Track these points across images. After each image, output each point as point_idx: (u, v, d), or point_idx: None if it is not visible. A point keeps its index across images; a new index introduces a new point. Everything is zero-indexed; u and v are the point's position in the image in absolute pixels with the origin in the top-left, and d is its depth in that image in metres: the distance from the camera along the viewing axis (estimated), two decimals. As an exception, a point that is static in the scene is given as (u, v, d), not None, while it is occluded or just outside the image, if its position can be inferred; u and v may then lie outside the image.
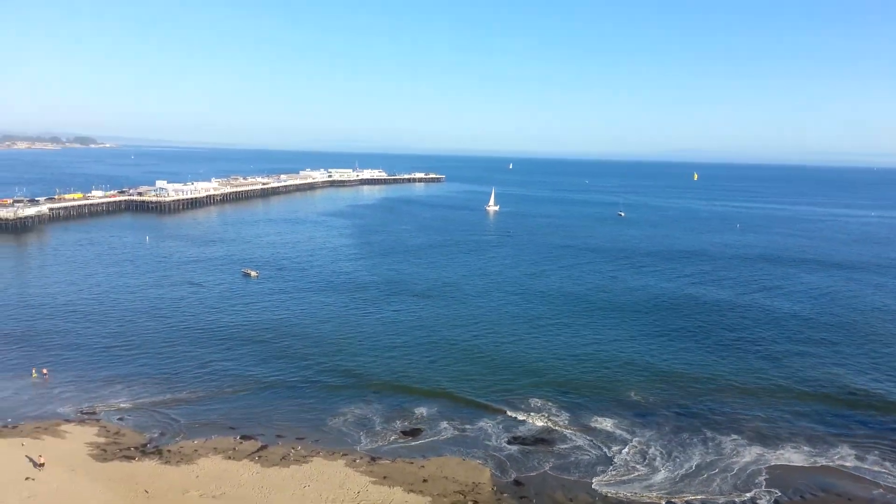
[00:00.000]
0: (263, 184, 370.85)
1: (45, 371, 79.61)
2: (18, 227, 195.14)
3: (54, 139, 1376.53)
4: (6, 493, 50.48)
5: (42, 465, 54.49)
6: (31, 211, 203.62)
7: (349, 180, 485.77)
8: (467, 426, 67.85)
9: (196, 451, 60.29)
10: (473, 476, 57.27)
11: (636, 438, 65.96)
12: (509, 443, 64.27)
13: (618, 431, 67.49)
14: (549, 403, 73.96)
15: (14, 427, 63.68)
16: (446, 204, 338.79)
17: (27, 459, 55.63)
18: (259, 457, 59.30)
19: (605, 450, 63.33)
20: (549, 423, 68.87)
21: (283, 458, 59.32)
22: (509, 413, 71.13)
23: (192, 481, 54.24)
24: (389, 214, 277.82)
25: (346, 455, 60.24)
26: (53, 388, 75.33)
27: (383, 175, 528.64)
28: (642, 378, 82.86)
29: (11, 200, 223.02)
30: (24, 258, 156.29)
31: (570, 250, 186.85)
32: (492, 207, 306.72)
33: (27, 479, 52.69)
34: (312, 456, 59.87)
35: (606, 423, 69.21)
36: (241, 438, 63.34)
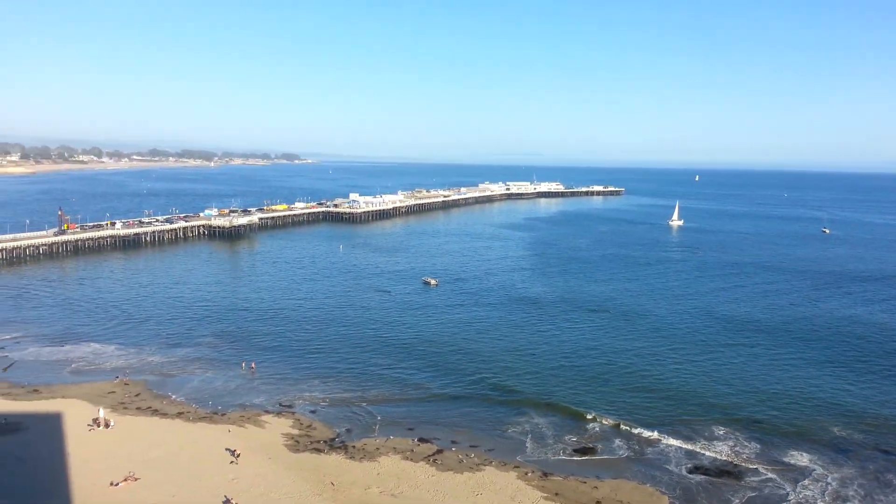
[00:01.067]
0: (444, 196, 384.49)
1: (252, 364, 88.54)
2: (233, 235, 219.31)
3: (265, 156, 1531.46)
4: (214, 474, 56.78)
5: (238, 455, 60.24)
6: (243, 220, 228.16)
7: (526, 193, 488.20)
8: (646, 449, 65.17)
9: (378, 449, 63.72)
10: (650, 502, 54.81)
11: (833, 476, 59.48)
12: (691, 472, 60.70)
13: (814, 467, 61.23)
14: (736, 434, 68.86)
15: (223, 415, 71.41)
16: (626, 218, 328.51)
17: (226, 451, 61.89)
18: (435, 460, 61.32)
19: (801, 487, 57.65)
20: (736, 455, 64.09)
21: (457, 463, 60.84)
22: (690, 441, 67.22)
23: (373, 478, 57.39)
24: (566, 228, 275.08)
25: (518, 467, 60.41)
26: (257, 380, 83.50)
27: (560, 188, 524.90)
28: (845, 415, 74.44)
29: (228, 210, 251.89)
30: (237, 262, 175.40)
31: (764, 270, 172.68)
32: (675, 222, 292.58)
33: (231, 462, 58.87)
34: (485, 464, 60.76)
35: (802, 458, 63.07)
36: (418, 441, 65.94)
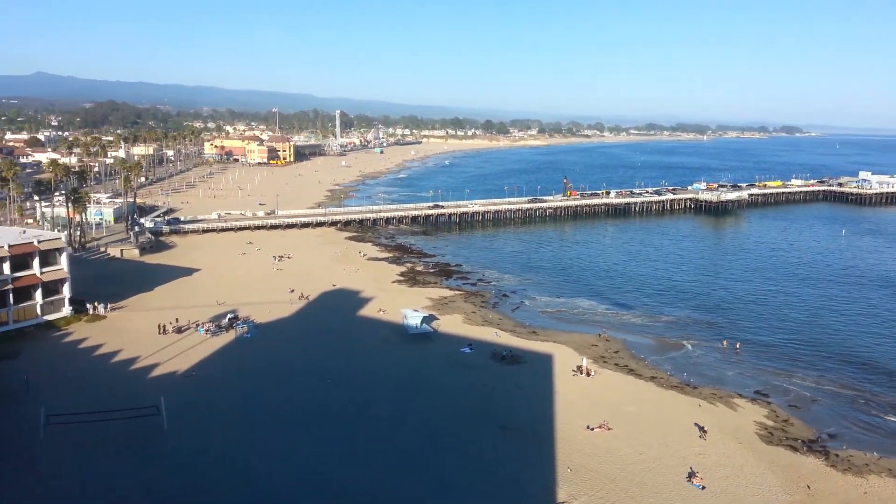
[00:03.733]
0: None
1: (737, 345, 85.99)
2: (720, 210, 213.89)
3: (762, 128, 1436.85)
4: (681, 443, 57.74)
5: (706, 432, 59.55)
6: (732, 196, 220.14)
7: None
8: None
9: (867, 465, 55.57)
10: None
11: None
12: None
13: None
14: None
15: (695, 388, 71.56)
16: None
17: (695, 425, 61.82)
18: (946, 498, 50.50)
19: None
20: None
21: (979, 511, 48.95)
22: None
23: (857, 496, 50.51)
24: None
25: None
26: (738, 361, 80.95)
27: None
28: None
29: (717, 185, 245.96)
30: (721, 238, 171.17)
31: None
32: None
33: (699, 436, 58.86)
34: None
35: None
36: (924, 470, 55.10)
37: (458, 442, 56.84)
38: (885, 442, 60.57)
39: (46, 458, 52.09)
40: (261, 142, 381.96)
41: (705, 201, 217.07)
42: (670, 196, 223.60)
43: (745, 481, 51.64)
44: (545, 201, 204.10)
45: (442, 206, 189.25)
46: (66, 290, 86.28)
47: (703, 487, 50.20)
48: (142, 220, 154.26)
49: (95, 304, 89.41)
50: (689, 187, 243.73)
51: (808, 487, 51.23)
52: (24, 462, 51.46)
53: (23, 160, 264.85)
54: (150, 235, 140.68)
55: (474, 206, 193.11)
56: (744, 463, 54.65)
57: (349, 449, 54.95)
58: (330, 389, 67.10)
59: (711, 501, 48.61)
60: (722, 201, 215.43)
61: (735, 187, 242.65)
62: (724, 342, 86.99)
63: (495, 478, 50.97)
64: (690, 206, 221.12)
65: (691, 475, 51.71)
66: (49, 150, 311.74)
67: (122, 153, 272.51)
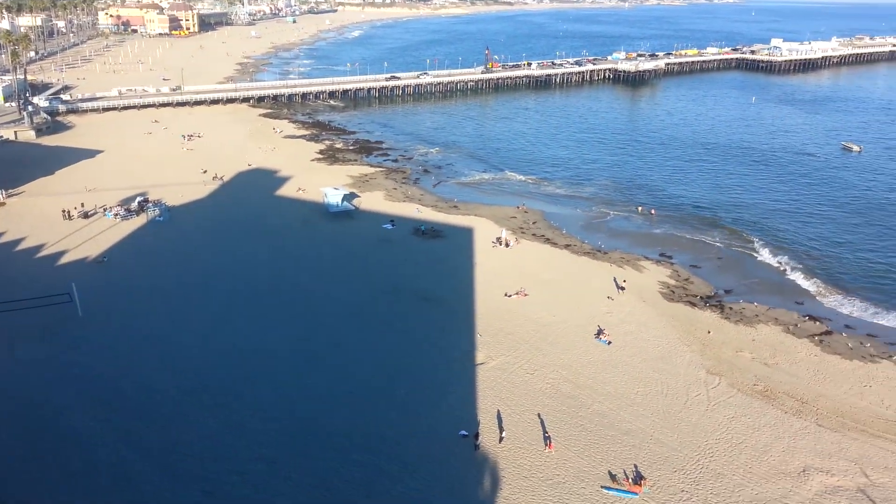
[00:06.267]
0: (894, 45, 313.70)
1: (652, 211, 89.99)
2: (637, 80, 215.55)
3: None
4: (591, 304, 61.45)
5: (623, 289, 63.73)
6: (649, 65, 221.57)
7: None
8: None
9: (757, 315, 60.96)
10: None
11: None
12: None
13: None
14: None
15: (605, 253, 75.22)
16: None
17: (614, 282, 65.76)
18: (821, 340, 56.40)
19: None
20: None
21: (847, 349, 55.07)
22: None
23: (747, 342, 55.70)
24: None
25: (926, 371, 52.09)
26: (654, 227, 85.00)
27: None
28: None
29: (635, 55, 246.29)
30: (638, 109, 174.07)
31: None
32: None
33: (608, 297, 62.74)
34: (883, 358, 53.77)
35: None
36: (805, 317, 60.97)
37: (383, 315, 58.49)
38: (773, 296, 66.11)
39: (-44, 351, 50.62)
40: (161, 10, 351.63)
41: (624, 71, 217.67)
42: (590, 67, 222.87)
43: (647, 335, 55.91)
44: (464, 74, 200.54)
45: (398, 78, 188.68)
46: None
47: (610, 342, 54.13)
48: (35, 100, 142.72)
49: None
50: (609, 57, 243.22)
51: (709, 332, 56.49)
52: (-69, 356, 49.89)
53: None
54: (45, 116, 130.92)
55: (426, 77, 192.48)
56: (647, 319, 58.92)
57: (272, 324, 55.80)
58: (252, 270, 66.88)
59: (617, 354, 52.64)
60: (640, 71, 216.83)
61: (653, 56, 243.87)
62: (639, 208, 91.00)
63: (419, 346, 53.22)
64: (610, 76, 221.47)
65: (599, 332, 55.51)
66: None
67: (5, 24, 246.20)
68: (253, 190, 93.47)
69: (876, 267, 73.33)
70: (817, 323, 59.95)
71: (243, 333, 54.22)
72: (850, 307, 63.94)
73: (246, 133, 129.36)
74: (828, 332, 58.09)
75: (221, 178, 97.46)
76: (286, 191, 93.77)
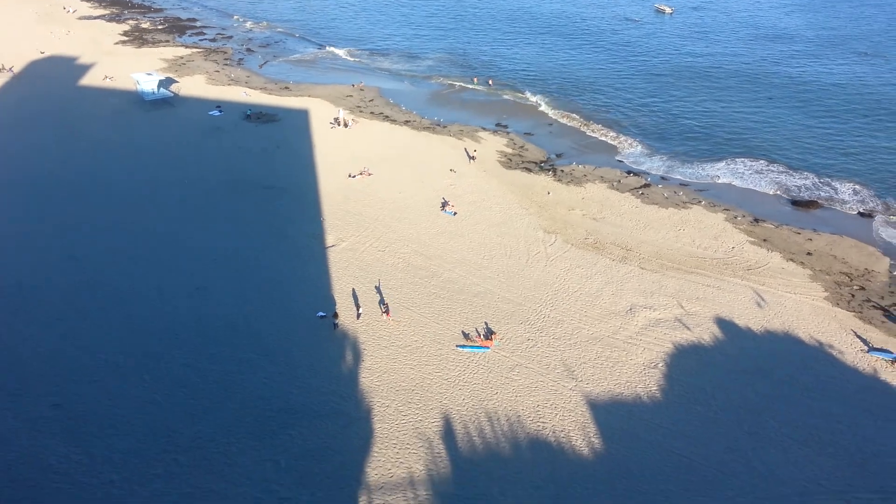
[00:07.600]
0: None
1: (489, 81, 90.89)
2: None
3: None
4: (435, 179, 62.47)
5: (474, 158, 65.32)
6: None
7: None
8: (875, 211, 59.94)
9: (585, 175, 65.24)
10: (868, 262, 51.81)
11: None
12: (926, 242, 55.43)
13: None
14: None
15: (444, 127, 75.81)
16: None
17: (465, 152, 66.95)
18: (641, 193, 61.80)
19: None
20: None
21: (663, 198, 60.89)
22: (938, 210, 60.23)
23: (577, 201, 59.79)
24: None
25: (728, 210, 59.13)
26: (490, 95, 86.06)
27: None
28: None
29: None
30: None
31: None
32: None
33: (451, 170, 64.00)
34: (693, 203, 60.18)
35: None
36: (627, 173, 66.19)
37: (224, 209, 55.83)
38: (598, 155, 70.72)
39: None
40: None
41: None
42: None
43: (490, 203, 58.22)
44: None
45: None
46: None
47: (455, 213, 55.86)
48: None
49: None
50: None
51: (549, 193, 60.09)
52: None
53: None
54: None
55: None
56: (488, 188, 61.12)
57: (104, 228, 51.53)
58: (63, 168, 60.40)
59: (462, 223, 54.58)
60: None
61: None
62: (475, 79, 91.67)
63: (266, 238, 51.75)
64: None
65: (444, 204, 56.96)
66: None
67: None
68: (51, 81, 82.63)
69: (686, 123, 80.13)
70: (637, 178, 65.38)
71: (79, 242, 49.67)
72: (664, 161, 70.01)
73: (33, 16, 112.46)
74: (646, 185, 63.66)
75: (11, 69, 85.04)
76: (91, 80, 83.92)
